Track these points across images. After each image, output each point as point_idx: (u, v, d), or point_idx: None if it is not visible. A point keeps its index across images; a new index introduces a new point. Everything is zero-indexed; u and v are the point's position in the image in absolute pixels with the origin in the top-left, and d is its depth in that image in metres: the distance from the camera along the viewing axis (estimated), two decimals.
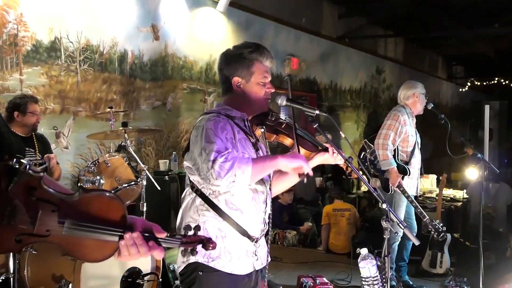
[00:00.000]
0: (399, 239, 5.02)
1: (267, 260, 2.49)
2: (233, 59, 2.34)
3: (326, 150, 2.55)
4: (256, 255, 2.39)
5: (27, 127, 4.14)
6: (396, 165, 4.86)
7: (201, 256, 2.23)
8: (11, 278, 3.24)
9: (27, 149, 4.17)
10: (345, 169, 2.68)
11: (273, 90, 2.42)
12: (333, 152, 2.53)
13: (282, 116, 2.60)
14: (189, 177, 2.31)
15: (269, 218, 2.42)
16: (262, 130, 2.46)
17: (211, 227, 2.24)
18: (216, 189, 2.20)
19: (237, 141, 2.24)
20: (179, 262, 2.33)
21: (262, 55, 2.35)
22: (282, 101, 2.62)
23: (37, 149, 4.25)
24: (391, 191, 4.88)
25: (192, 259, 2.22)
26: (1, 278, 3.27)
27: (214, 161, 2.06)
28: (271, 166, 2.21)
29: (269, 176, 2.42)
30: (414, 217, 5.19)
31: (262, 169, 2.17)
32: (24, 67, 4.66)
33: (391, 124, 4.91)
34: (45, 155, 4.22)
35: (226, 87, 2.37)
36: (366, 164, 4.93)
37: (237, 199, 2.25)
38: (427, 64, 15.27)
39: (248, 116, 2.40)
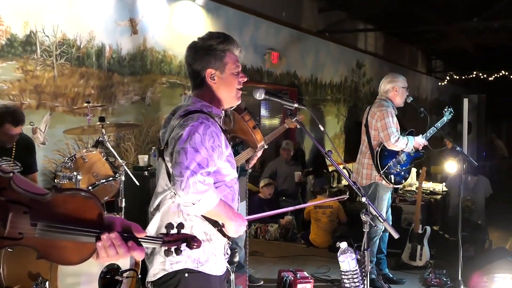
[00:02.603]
0: (380, 233, 5.04)
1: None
2: (204, 52, 2.28)
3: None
4: (227, 253, 2.38)
5: (1, 143, 3.98)
6: (412, 138, 4.96)
7: (191, 262, 2.18)
8: None
9: (1, 158, 4.03)
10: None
11: (246, 79, 2.39)
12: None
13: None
14: (169, 177, 2.20)
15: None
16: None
17: (198, 232, 2.19)
18: (173, 195, 2.16)
19: (223, 146, 2.20)
20: (157, 269, 2.22)
21: (232, 44, 2.31)
22: (260, 94, 2.62)
23: (13, 155, 4.10)
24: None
25: (179, 266, 2.17)
26: None
27: (193, 173, 2.02)
28: (224, 219, 2.20)
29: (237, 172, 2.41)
30: (390, 210, 5.22)
31: (217, 215, 2.17)
32: None
33: (389, 122, 4.87)
34: None
35: (198, 81, 2.30)
36: (395, 171, 4.93)
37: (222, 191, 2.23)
38: (407, 58, 15.37)
39: (224, 108, 2.36)
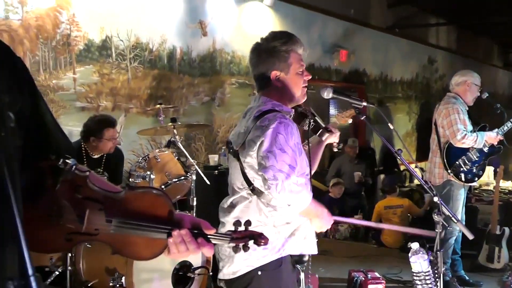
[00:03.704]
0: (456, 234, 4.87)
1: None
2: (267, 54, 2.29)
3: (330, 131, 2.63)
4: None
5: (103, 151, 4.21)
6: (483, 133, 4.77)
7: (275, 252, 2.22)
8: (67, 271, 3.36)
9: (96, 170, 4.16)
10: (334, 147, 2.77)
11: (310, 77, 2.40)
12: (335, 132, 2.64)
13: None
14: (245, 178, 2.25)
15: None
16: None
17: (280, 223, 2.24)
18: (267, 195, 2.20)
19: (300, 144, 2.24)
20: (239, 265, 2.23)
21: (295, 44, 2.32)
22: (328, 93, 2.61)
23: (103, 166, 4.29)
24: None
25: (265, 260, 2.20)
26: (58, 270, 3.39)
27: (287, 176, 2.08)
28: (316, 215, 2.30)
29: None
30: (464, 210, 5.04)
31: (309, 212, 2.25)
32: (77, 66, 4.78)
33: (455, 119, 4.71)
34: None
35: (264, 82, 2.32)
36: (466, 168, 4.79)
37: None
38: (482, 52, 14.74)
39: (290, 107, 2.38)
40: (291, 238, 2.27)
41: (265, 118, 2.18)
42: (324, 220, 2.30)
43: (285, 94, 2.32)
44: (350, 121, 2.87)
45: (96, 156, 4.26)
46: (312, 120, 2.53)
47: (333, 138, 2.66)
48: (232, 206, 2.30)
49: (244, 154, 2.22)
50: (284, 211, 2.19)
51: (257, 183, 2.21)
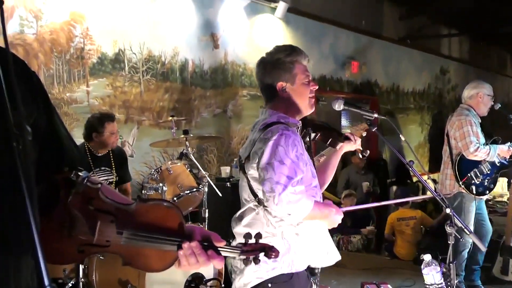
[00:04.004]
0: (470, 246, 4.83)
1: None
2: (272, 66, 2.33)
3: (348, 138, 2.65)
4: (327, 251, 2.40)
5: (105, 146, 4.28)
6: (495, 146, 4.74)
7: (286, 266, 2.22)
8: (80, 283, 3.38)
9: (102, 168, 4.29)
10: (359, 153, 2.77)
11: (316, 87, 2.41)
12: (355, 139, 2.66)
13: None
14: (251, 190, 2.28)
15: None
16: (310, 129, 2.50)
17: (289, 234, 2.24)
18: (256, 205, 2.23)
19: (305, 154, 2.25)
20: (250, 277, 2.23)
21: (299, 55, 2.35)
22: (339, 105, 2.62)
23: (113, 165, 4.38)
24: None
25: (275, 272, 2.20)
26: (71, 282, 3.41)
27: (284, 187, 2.08)
28: (323, 217, 2.27)
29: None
30: (488, 219, 5.01)
31: (312, 217, 2.22)
32: (90, 79, 4.84)
33: (467, 131, 4.70)
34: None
35: (270, 94, 2.36)
36: (477, 181, 4.77)
37: None
38: (496, 62, 14.66)
39: (298, 118, 2.39)
40: (301, 251, 2.26)
41: (268, 130, 2.21)
42: (333, 218, 2.29)
43: (292, 105, 2.34)
44: (365, 133, 2.88)
45: (100, 154, 4.32)
46: (317, 133, 2.54)
47: (351, 146, 2.66)
48: (241, 218, 2.33)
49: (248, 166, 2.26)
50: (289, 220, 2.19)
51: (261, 194, 2.23)
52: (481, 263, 5.03)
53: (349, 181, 8.00)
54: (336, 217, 2.29)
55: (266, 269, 2.20)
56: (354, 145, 2.67)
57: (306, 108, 2.37)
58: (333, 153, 2.68)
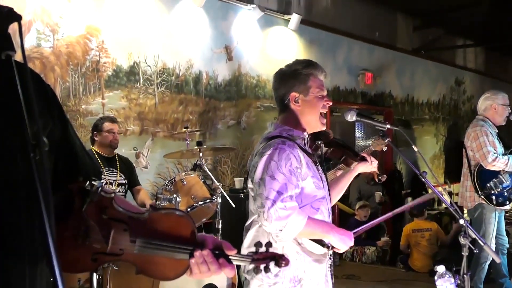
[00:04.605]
0: (490, 258, 4.77)
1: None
2: (288, 76, 2.35)
3: (364, 159, 2.63)
4: (331, 264, 2.38)
5: (105, 145, 4.40)
6: None
7: (288, 281, 2.21)
8: None
9: (110, 169, 4.40)
10: (375, 177, 2.76)
11: (331, 103, 2.42)
12: (371, 161, 2.64)
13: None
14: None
15: None
16: (321, 143, 2.49)
17: (290, 251, 2.22)
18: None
19: (304, 167, 2.23)
20: None
21: (316, 69, 2.36)
22: (352, 116, 2.62)
23: (118, 168, 4.47)
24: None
25: (277, 287, 2.19)
26: None
27: (273, 202, 2.08)
28: (321, 235, 2.23)
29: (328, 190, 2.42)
30: (505, 232, 4.96)
31: (311, 233, 2.20)
32: (106, 91, 4.90)
33: (484, 141, 4.68)
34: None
35: (283, 105, 2.37)
36: (497, 191, 4.73)
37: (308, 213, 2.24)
38: (510, 73, 14.55)
39: (309, 132, 2.39)
40: (302, 268, 2.24)
41: (267, 144, 2.24)
42: (338, 235, 2.22)
43: (302, 117, 2.34)
44: (385, 148, 2.86)
45: (107, 155, 4.45)
46: (330, 148, 2.54)
47: (367, 167, 2.64)
48: (247, 229, 2.35)
49: (248, 179, 2.29)
50: (281, 237, 2.14)
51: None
52: (507, 274, 4.97)
53: (361, 192, 7.98)
54: (343, 234, 2.23)
55: (268, 283, 2.21)
56: (370, 166, 2.65)
57: (317, 123, 2.37)
58: (346, 173, 2.67)
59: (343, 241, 2.23)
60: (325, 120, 2.40)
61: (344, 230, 2.27)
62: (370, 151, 2.77)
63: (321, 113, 2.37)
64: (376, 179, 2.79)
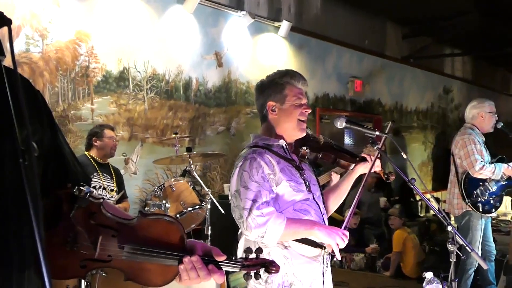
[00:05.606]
0: (476, 265, 4.81)
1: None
2: (266, 87, 2.41)
3: (364, 160, 2.62)
4: (327, 264, 2.37)
5: (105, 151, 4.41)
6: (500, 165, 4.73)
7: (276, 286, 2.21)
8: None
9: (104, 174, 4.39)
10: (382, 176, 2.72)
11: (309, 111, 2.45)
12: (372, 161, 2.60)
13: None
14: None
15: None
16: (306, 149, 2.47)
17: (277, 256, 2.22)
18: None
19: (277, 173, 2.24)
20: None
21: (293, 78, 2.40)
22: (341, 123, 2.63)
23: (112, 175, 4.48)
24: None
25: None
26: None
27: (249, 211, 2.12)
28: (305, 234, 2.22)
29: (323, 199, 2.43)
30: (492, 239, 5.00)
31: (294, 233, 2.20)
32: (95, 97, 4.88)
33: (472, 149, 4.72)
34: None
35: (263, 115, 2.43)
36: (483, 199, 4.76)
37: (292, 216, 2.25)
38: (498, 82, 14.71)
39: (288, 140, 2.39)
40: (290, 273, 2.24)
41: (240, 155, 2.32)
42: (322, 228, 2.19)
43: (279, 126, 2.38)
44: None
45: (102, 162, 4.47)
46: (320, 153, 2.54)
47: (367, 167, 2.61)
48: (238, 238, 2.40)
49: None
50: (265, 243, 2.16)
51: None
52: (494, 281, 5.00)
53: (360, 201, 7.98)
54: (330, 228, 2.21)
55: None
56: (373, 166, 2.60)
57: (295, 130, 2.38)
58: (346, 176, 2.67)
59: (328, 234, 2.19)
60: (304, 126, 2.41)
61: (330, 226, 2.26)
62: (370, 152, 2.74)
63: (302, 121, 2.38)
64: (384, 178, 2.76)
